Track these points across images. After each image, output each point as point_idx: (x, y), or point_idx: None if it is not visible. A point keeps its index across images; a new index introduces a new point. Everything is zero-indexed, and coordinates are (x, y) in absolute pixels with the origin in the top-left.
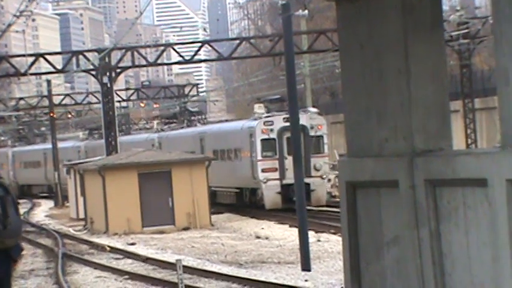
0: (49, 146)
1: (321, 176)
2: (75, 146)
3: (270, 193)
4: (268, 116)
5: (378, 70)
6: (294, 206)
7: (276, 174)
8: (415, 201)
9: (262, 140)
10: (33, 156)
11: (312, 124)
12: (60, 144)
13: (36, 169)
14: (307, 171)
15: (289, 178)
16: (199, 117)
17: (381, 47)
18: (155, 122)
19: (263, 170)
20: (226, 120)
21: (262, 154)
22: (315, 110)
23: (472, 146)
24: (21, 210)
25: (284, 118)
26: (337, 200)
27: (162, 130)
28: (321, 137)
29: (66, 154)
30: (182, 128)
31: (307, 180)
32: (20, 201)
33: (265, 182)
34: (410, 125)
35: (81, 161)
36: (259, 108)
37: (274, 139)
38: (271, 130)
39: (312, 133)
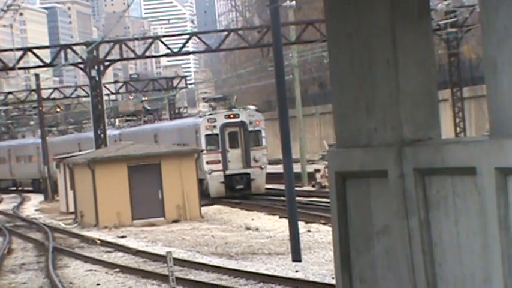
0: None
1: (259, 167)
2: (111, 135)
3: (215, 183)
4: (212, 114)
5: (367, 60)
6: (236, 194)
7: (220, 166)
8: (404, 190)
9: (206, 136)
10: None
11: (250, 120)
12: (90, 134)
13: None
14: (247, 163)
15: (231, 169)
16: (155, 114)
17: (369, 37)
18: (117, 119)
19: (208, 162)
20: (180, 117)
21: (206, 148)
22: (253, 107)
23: (461, 135)
24: (11, 205)
25: (225, 115)
26: (327, 190)
27: (123, 127)
28: (259, 131)
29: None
30: (140, 125)
31: (247, 170)
32: (10, 195)
33: (210, 173)
34: (398, 114)
35: (70, 154)
36: (203, 107)
37: (217, 134)
38: (214, 126)
39: (250, 128)
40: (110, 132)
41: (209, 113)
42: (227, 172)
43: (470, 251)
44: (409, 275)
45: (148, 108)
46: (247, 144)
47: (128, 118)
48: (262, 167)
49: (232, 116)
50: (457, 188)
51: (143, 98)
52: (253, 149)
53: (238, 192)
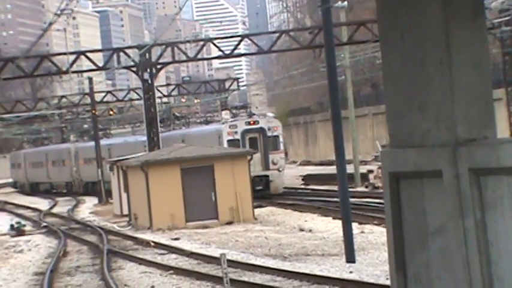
0: (113, 141)
1: (277, 169)
2: (141, 141)
3: None
4: (233, 121)
5: (419, 60)
6: (256, 194)
7: None
8: (459, 191)
9: (228, 141)
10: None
11: (269, 126)
12: (123, 139)
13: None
14: (266, 166)
15: (252, 171)
16: (183, 120)
17: (421, 36)
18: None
19: None
20: (207, 123)
21: None
22: (271, 114)
23: None
24: (65, 208)
25: (246, 122)
26: (380, 191)
27: None
28: (277, 136)
29: (131, 149)
30: (169, 130)
31: (266, 172)
32: (65, 198)
33: None
34: (453, 114)
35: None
36: (225, 114)
37: (238, 140)
38: (236, 132)
39: (269, 134)
40: (139, 138)
41: (231, 120)
42: None
43: None
44: (465, 275)
45: (178, 115)
46: (266, 149)
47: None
48: (280, 169)
49: (252, 122)
50: None
51: (195, 101)
52: (272, 153)
53: (258, 192)
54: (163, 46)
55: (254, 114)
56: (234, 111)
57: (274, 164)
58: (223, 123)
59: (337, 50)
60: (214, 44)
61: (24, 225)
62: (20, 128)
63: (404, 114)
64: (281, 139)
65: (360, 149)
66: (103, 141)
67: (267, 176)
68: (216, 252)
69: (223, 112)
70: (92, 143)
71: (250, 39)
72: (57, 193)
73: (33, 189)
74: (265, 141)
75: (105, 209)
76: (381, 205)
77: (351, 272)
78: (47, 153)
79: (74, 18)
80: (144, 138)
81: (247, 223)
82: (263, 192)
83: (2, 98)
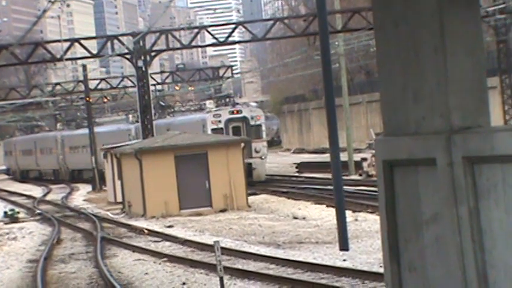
0: (99, 129)
1: (260, 157)
2: (125, 129)
3: None
4: (217, 110)
5: (414, 48)
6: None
7: None
8: (453, 178)
9: (212, 129)
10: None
11: (252, 115)
12: (108, 128)
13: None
14: (249, 154)
15: None
16: (169, 110)
17: (416, 25)
18: (130, 115)
19: None
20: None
21: None
22: (254, 104)
23: (510, 122)
24: (59, 195)
25: (229, 111)
26: (374, 179)
27: (137, 121)
28: (260, 125)
29: (115, 137)
30: (155, 119)
31: (249, 160)
32: (58, 186)
33: None
34: (447, 102)
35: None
36: (209, 104)
37: (222, 128)
38: (219, 121)
39: (252, 123)
40: (124, 127)
41: (215, 109)
42: None
43: None
44: (459, 263)
45: (163, 104)
46: (249, 137)
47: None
48: (263, 157)
49: (235, 112)
50: (508, 176)
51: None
52: (255, 141)
53: None
54: (158, 33)
55: (237, 103)
56: (217, 100)
57: (257, 152)
58: (207, 113)
59: (332, 37)
60: (209, 32)
61: (18, 213)
62: (14, 115)
63: (398, 102)
64: (263, 128)
65: (354, 137)
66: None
67: (250, 164)
68: (209, 240)
69: (207, 101)
70: (78, 131)
71: (245, 27)
72: (46, 180)
73: (23, 177)
74: (248, 129)
75: (98, 196)
76: (374, 193)
77: (344, 260)
78: (35, 141)
79: (68, 5)
80: (128, 126)
81: (241, 211)
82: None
83: None
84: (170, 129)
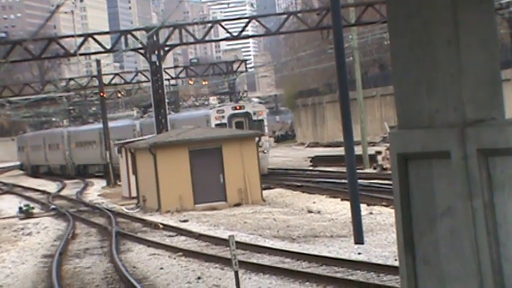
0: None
1: (262, 151)
2: (130, 125)
3: None
4: (220, 106)
5: (427, 41)
6: None
7: None
8: (467, 171)
9: (216, 125)
10: (88, 136)
11: (254, 111)
12: (113, 124)
13: (93, 149)
14: None
15: None
16: (172, 106)
17: (429, 17)
18: (135, 110)
19: None
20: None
21: None
22: (256, 100)
23: None
24: (74, 191)
25: (232, 107)
26: (389, 172)
27: (142, 117)
28: (262, 120)
29: (121, 133)
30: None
31: None
32: (73, 181)
33: None
34: (461, 95)
35: (132, 139)
36: (213, 100)
37: (225, 123)
38: (223, 117)
39: (254, 118)
40: (129, 122)
41: (218, 105)
42: None
43: None
44: (473, 256)
45: (167, 100)
46: None
47: (144, 109)
48: (265, 151)
49: (238, 107)
50: None
51: (203, 83)
52: None
53: None
54: (171, 28)
55: (240, 99)
56: (220, 97)
57: (259, 146)
58: (211, 108)
59: (345, 31)
60: (222, 26)
61: (32, 208)
62: (27, 111)
63: (412, 95)
64: (266, 123)
65: (368, 130)
66: (94, 126)
67: None
68: (224, 234)
69: (211, 98)
70: (83, 127)
71: (258, 21)
72: (56, 175)
73: (34, 172)
74: (251, 124)
75: (113, 191)
76: (389, 186)
77: (359, 254)
78: (44, 137)
79: (81, 0)
80: (133, 122)
81: (256, 205)
82: None
83: (10, 81)
84: (175, 125)
